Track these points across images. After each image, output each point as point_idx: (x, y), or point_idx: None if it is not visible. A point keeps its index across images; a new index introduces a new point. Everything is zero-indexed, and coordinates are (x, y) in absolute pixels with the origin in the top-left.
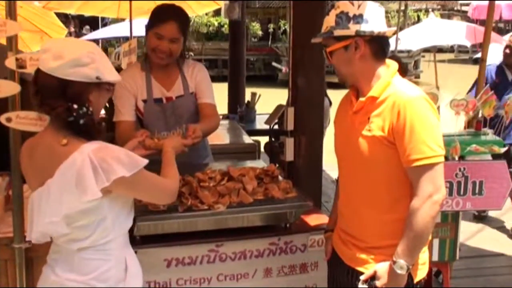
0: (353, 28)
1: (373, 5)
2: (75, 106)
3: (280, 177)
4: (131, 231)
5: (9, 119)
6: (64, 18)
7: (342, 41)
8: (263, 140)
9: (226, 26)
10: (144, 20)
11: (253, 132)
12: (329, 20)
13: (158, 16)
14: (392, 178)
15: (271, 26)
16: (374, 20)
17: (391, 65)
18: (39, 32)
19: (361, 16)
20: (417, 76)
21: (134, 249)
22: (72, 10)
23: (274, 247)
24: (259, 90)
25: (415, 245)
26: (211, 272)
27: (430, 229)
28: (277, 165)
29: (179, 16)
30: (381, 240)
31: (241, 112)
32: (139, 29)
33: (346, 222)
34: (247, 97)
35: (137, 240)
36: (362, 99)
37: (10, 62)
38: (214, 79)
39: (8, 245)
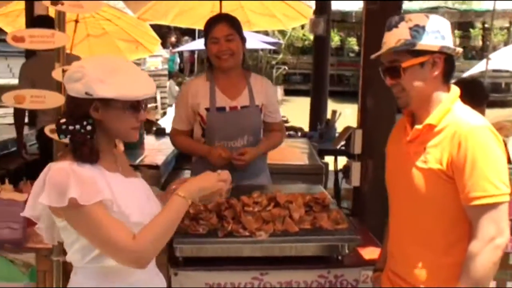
0: (434, 43)
1: (444, 19)
2: (63, 120)
3: (331, 206)
4: (172, 252)
5: (53, 131)
6: (167, 28)
7: (419, 56)
8: (342, 160)
9: None
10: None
11: (329, 152)
12: (401, 33)
13: (208, 24)
14: (449, 217)
15: None
16: (449, 37)
17: (452, 90)
18: (134, 42)
19: (438, 31)
20: None
21: (175, 271)
22: (166, 21)
23: (323, 280)
24: (353, 106)
25: None
26: None
27: (491, 276)
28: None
29: (227, 16)
30: (434, 285)
31: (321, 129)
32: None
33: (396, 262)
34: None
35: (179, 262)
36: (418, 126)
37: (57, 74)
38: (306, 93)
39: (47, 256)
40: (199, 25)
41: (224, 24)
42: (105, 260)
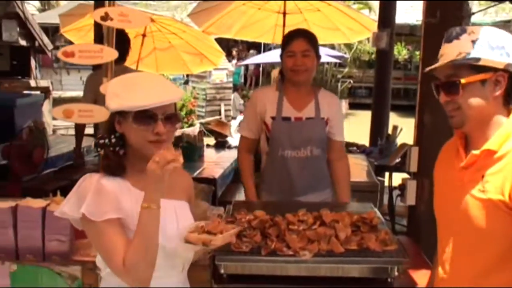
0: (499, 59)
1: (509, 35)
2: (100, 135)
3: (380, 226)
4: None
5: None
6: (233, 42)
7: (481, 73)
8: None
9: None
10: None
11: (387, 168)
12: (462, 46)
13: (287, 38)
14: (509, 252)
15: None
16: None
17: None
18: (199, 55)
19: (503, 47)
20: None
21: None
22: (230, 34)
23: None
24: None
25: None
26: None
27: None
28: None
29: (306, 33)
30: None
31: (381, 145)
32: None
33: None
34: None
35: (223, 279)
36: (475, 152)
37: (104, 88)
38: (370, 107)
39: (92, 269)
40: (264, 39)
41: (302, 40)
42: None
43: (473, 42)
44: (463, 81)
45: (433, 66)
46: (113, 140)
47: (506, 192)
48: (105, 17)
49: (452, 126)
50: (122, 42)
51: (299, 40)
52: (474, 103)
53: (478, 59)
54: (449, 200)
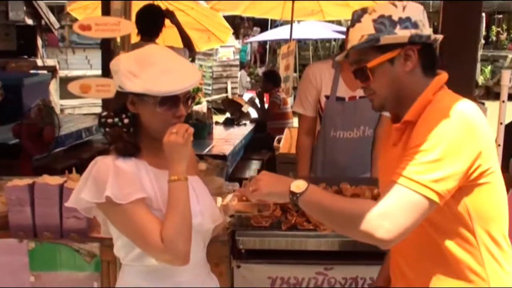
0: (402, 34)
1: (415, 4)
2: (104, 113)
3: None
4: (235, 244)
5: None
6: (240, 19)
7: (387, 52)
8: None
9: None
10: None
11: None
12: (364, 28)
13: None
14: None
15: None
16: (423, 23)
17: (436, 79)
18: (207, 32)
19: (408, 19)
20: None
21: (238, 263)
22: (238, 11)
23: None
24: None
25: None
26: None
27: None
28: None
29: None
30: None
31: None
32: (300, 32)
33: (400, 285)
34: None
35: (242, 254)
36: (396, 125)
37: (117, 63)
38: None
39: (111, 246)
40: (271, 15)
41: None
42: (147, 259)
43: (374, 21)
44: (370, 64)
45: (338, 57)
46: (126, 121)
47: None
48: None
49: (374, 110)
50: (156, 16)
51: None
52: (386, 85)
53: (378, 39)
54: (386, 181)
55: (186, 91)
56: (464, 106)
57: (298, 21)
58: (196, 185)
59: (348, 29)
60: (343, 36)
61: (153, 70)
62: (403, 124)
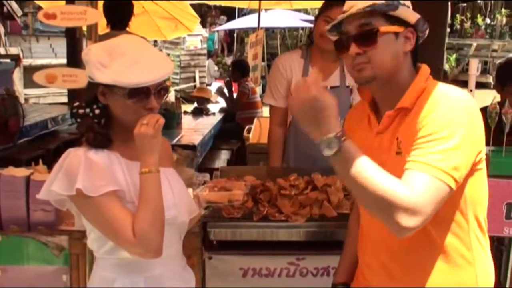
0: (413, 14)
1: None
2: (76, 104)
3: None
4: (207, 235)
5: None
6: (207, 7)
7: (395, 25)
8: None
9: None
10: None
11: None
12: None
13: (329, 2)
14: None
15: None
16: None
17: (423, 68)
18: (174, 21)
19: (409, 6)
20: None
21: (209, 255)
22: None
23: None
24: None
25: None
26: (290, 286)
27: None
28: None
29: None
30: None
31: None
32: (268, 21)
33: (378, 277)
34: None
35: (214, 246)
36: (390, 112)
37: (87, 53)
38: None
39: (80, 239)
40: (239, 4)
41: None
42: (120, 252)
43: None
44: (382, 29)
45: (346, 14)
46: (97, 111)
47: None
48: None
49: (357, 82)
50: (125, 6)
51: (340, 8)
52: (387, 56)
53: (396, 7)
54: None
55: (158, 83)
56: (466, 95)
57: (266, 10)
58: (171, 177)
59: None
60: (311, 25)
61: (123, 61)
62: (396, 111)
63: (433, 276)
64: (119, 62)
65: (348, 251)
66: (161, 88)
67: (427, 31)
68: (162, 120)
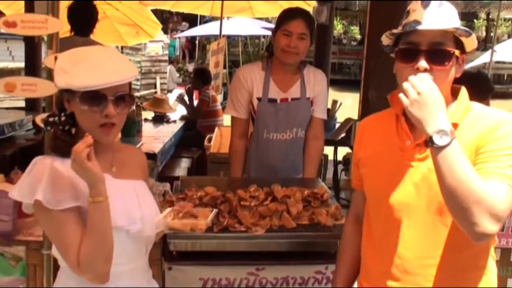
0: (474, 43)
1: None
2: (51, 112)
3: (330, 201)
4: (167, 246)
5: (42, 120)
6: (168, 13)
7: (459, 49)
8: (341, 150)
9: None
10: (238, 19)
11: (329, 142)
12: (451, 16)
13: (287, 15)
14: None
15: None
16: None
17: (463, 89)
18: (135, 27)
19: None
20: None
21: (169, 266)
22: (167, 6)
23: (320, 276)
24: (354, 95)
25: None
26: None
27: None
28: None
29: (305, 14)
30: None
31: None
32: (229, 29)
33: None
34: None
35: (174, 256)
36: None
37: (49, 61)
38: None
39: (37, 250)
40: (201, 11)
41: (302, 22)
42: None
43: (455, 16)
44: (457, 52)
45: (425, 27)
46: (63, 119)
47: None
48: None
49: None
50: (90, 13)
51: (298, 21)
52: (449, 78)
53: (470, 34)
54: (396, 180)
55: (117, 89)
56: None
57: (228, 18)
58: (140, 190)
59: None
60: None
61: (82, 66)
62: None
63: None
64: (79, 67)
65: (345, 259)
66: (123, 95)
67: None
68: (87, 148)
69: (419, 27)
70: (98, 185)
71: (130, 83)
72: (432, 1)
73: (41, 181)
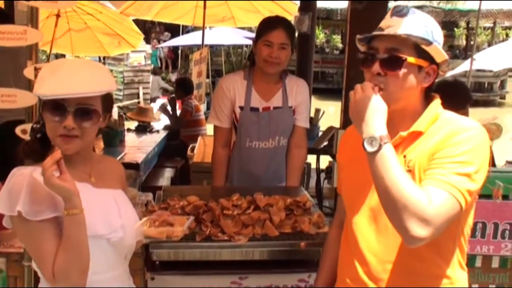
0: (442, 54)
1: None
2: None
3: (313, 209)
4: (149, 256)
5: (24, 131)
6: (150, 23)
7: (421, 58)
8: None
9: None
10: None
11: (311, 151)
12: (415, 25)
13: (267, 25)
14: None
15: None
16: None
17: (436, 98)
18: (117, 37)
19: (440, 43)
20: (503, 97)
21: (152, 275)
22: (149, 16)
23: (304, 284)
24: (336, 104)
25: None
26: None
27: None
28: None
29: (286, 24)
30: None
31: None
32: (212, 38)
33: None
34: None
35: (156, 266)
36: (403, 133)
37: (29, 72)
38: None
39: (18, 261)
40: (183, 21)
41: (282, 31)
42: None
43: (423, 26)
44: (410, 59)
45: (381, 32)
46: (35, 126)
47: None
48: None
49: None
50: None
51: (279, 31)
52: (405, 85)
53: (430, 43)
54: (367, 185)
55: (78, 101)
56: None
57: (210, 27)
58: (120, 199)
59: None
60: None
61: (55, 75)
62: (410, 133)
63: None
64: (52, 77)
65: (327, 263)
66: (85, 109)
67: (447, 71)
68: (52, 166)
69: (377, 33)
70: (73, 198)
71: (110, 99)
72: (401, 10)
73: (21, 192)
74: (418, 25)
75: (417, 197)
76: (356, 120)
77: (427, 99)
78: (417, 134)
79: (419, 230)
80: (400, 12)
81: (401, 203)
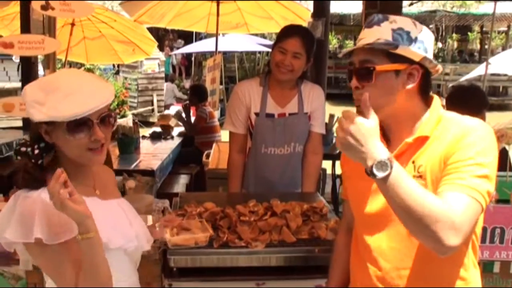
0: (417, 52)
1: (429, 32)
2: (23, 140)
3: (329, 215)
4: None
5: None
6: (164, 31)
7: (397, 63)
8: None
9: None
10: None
11: (326, 156)
12: (382, 32)
13: (284, 32)
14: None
15: None
16: (431, 52)
17: (436, 99)
18: (131, 45)
19: (422, 42)
20: None
21: (169, 282)
22: (163, 24)
23: None
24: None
25: None
26: None
27: None
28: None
29: (304, 33)
30: None
31: None
32: (225, 45)
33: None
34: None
35: (174, 273)
36: (408, 140)
37: None
38: None
39: (37, 268)
40: (197, 28)
41: (298, 40)
42: None
43: (394, 30)
44: (377, 68)
45: (348, 49)
46: (36, 151)
47: (439, 171)
48: (46, 7)
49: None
50: None
51: (294, 39)
52: (383, 92)
53: (396, 46)
54: (374, 192)
55: (100, 111)
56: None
57: (223, 34)
58: (125, 207)
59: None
60: (268, 49)
61: (57, 95)
62: (416, 140)
63: None
64: (54, 98)
65: (337, 269)
66: (106, 116)
67: (438, 67)
68: (63, 193)
69: (348, 49)
70: (86, 221)
71: None
72: (370, 21)
73: (34, 218)
74: (386, 31)
75: (444, 208)
76: (353, 151)
77: (425, 100)
78: (424, 139)
79: (452, 239)
80: (369, 23)
81: (431, 218)
